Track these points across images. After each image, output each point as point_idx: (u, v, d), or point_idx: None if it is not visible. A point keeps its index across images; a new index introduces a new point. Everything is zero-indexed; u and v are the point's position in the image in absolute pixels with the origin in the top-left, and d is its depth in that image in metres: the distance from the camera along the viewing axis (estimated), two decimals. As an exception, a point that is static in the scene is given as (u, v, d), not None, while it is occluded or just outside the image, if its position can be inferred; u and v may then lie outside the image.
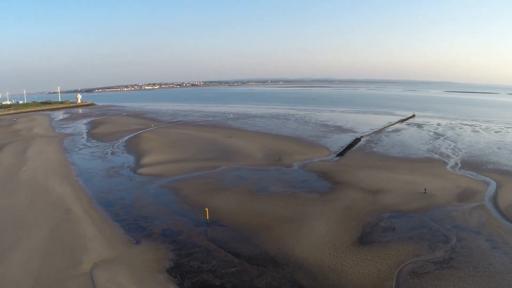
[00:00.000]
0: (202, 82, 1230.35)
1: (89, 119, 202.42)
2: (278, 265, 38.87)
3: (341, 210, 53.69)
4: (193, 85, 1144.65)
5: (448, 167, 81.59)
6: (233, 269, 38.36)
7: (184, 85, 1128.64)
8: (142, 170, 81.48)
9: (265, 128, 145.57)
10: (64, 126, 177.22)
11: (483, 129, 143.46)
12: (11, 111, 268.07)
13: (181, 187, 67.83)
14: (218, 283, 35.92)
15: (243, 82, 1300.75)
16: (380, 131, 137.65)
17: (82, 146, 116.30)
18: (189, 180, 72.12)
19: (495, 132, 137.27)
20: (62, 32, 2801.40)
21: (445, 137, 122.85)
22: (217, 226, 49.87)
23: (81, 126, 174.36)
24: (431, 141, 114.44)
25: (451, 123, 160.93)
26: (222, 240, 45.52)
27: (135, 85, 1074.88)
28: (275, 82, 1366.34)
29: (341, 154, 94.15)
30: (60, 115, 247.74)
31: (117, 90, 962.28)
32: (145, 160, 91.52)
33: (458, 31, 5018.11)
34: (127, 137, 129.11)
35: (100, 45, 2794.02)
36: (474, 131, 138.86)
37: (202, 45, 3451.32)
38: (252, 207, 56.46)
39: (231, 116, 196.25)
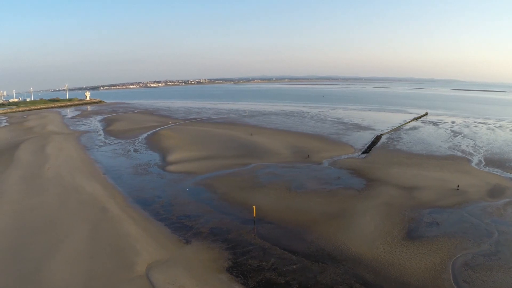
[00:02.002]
0: (207, 79, 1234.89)
1: (102, 116, 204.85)
2: (338, 261, 39.72)
3: (382, 206, 55.26)
4: (198, 82, 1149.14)
5: (473, 164, 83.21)
6: (294, 267, 38.77)
7: (190, 82, 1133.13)
8: (171, 168, 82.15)
9: (283, 126, 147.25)
10: (78, 123, 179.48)
11: (497, 127, 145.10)
12: (20, 109, 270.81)
13: (216, 184, 68.45)
14: (283, 281, 36.21)
15: (248, 80, 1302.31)
16: (397, 129, 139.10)
17: (101, 144, 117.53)
18: (223, 178, 72.97)
19: (510, 130, 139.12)
20: (66, 30, 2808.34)
21: (462, 135, 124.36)
22: (265, 223, 50.20)
23: (95, 123, 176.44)
24: (450, 139, 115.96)
25: (465, 121, 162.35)
26: (274, 237, 45.90)
27: (141, 82, 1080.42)
28: (280, 79, 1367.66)
29: (366, 151, 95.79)
30: (70, 112, 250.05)
31: (123, 88, 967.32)
32: (171, 157, 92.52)
33: (462, 28, 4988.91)
34: (145, 134, 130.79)
35: (104, 43, 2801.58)
36: (489, 129, 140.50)
37: (207, 42, 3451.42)
38: (294, 204, 57.65)
39: (246, 114, 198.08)
